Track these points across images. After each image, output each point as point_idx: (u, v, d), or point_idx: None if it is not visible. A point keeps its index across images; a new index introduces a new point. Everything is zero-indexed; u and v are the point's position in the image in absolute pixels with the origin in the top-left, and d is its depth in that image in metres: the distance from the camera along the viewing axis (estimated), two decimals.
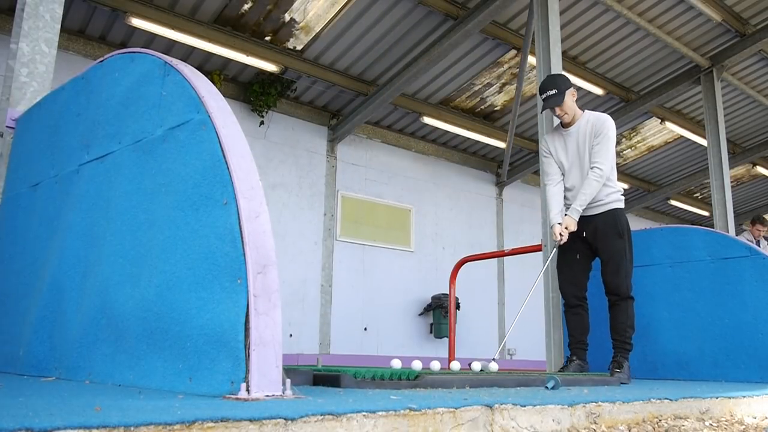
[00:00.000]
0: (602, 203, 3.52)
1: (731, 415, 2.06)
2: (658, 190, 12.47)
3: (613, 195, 3.53)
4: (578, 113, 3.58)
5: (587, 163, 3.51)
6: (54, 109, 2.50)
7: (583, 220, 3.51)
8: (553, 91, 3.49)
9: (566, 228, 3.43)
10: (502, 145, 9.59)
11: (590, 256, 3.61)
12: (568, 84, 3.57)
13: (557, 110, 3.53)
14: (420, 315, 9.04)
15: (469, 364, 2.89)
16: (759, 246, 6.86)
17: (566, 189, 3.63)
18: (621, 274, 3.43)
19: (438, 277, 9.18)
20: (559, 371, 3.56)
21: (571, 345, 3.60)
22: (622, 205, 3.57)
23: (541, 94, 3.59)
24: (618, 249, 3.45)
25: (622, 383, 3.03)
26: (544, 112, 4.46)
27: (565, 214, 3.50)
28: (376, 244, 8.85)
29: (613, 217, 3.50)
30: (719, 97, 7.99)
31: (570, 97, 3.52)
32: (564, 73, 4.67)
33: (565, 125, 3.61)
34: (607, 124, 3.47)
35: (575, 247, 3.55)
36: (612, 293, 3.45)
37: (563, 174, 3.64)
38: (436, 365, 2.60)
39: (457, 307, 8.73)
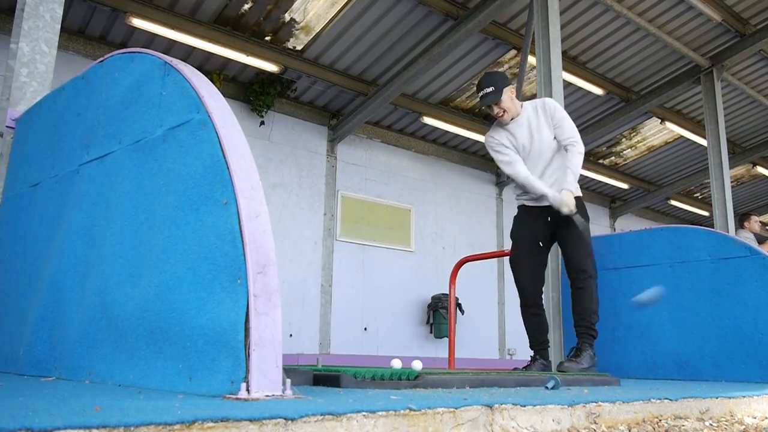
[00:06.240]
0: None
1: (731, 415, 2.06)
2: (658, 190, 12.46)
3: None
4: (517, 109, 3.51)
5: (546, 150, 3.46)
6: (54, 109, 2.49)
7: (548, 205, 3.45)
8: (491, 89, 3.39)
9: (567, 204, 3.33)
10: None
11: (548, 249, 3.57)
12: (507, 82, 3.47)
13: (495, 108, 3.44)
14: (427, 323, 9.00)
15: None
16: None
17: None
18: (587, 250, 3.39)
19: (438, 277, 9.18)
20: (523, 369, 3.48)
21: (533, 345, 3.56)
22: (580, 193, 3.55)
23: (478, 92, 3.47)
24: (584, 226, 3.38)
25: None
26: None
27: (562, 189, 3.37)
28: (376, 244, 8.85)
29: (577, 199, 3.45)
30: (719, 97, 7.98)
31: (508, 95, 3.43)
32: (560, 75, 4.64)
33: (503, 124, 3.53)
34: (556, 105, 3.49)
35: (536, 238, 3.49)
36: (577, 270, 3.39)
37: None
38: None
39: (460, 309, 8.72)
